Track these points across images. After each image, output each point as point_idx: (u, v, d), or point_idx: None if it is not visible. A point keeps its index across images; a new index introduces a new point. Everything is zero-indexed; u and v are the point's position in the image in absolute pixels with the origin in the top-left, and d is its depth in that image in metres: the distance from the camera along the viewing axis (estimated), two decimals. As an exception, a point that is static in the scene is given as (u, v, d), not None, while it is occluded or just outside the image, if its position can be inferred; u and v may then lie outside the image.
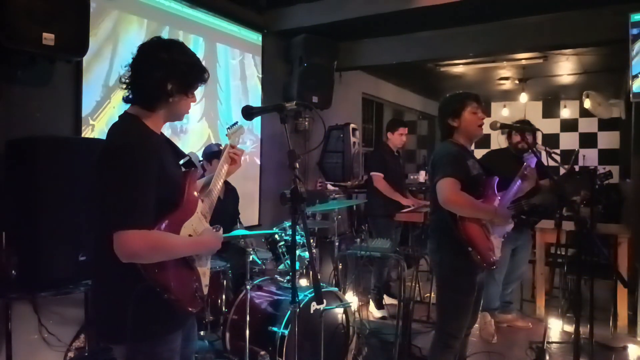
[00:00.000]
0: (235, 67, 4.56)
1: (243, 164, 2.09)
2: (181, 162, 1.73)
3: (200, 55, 4.03)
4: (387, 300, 4.69)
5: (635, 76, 3.87)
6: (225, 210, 3.63)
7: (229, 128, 2.04)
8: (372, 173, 4.62)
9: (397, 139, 4.69)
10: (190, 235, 1.64)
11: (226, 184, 3.71)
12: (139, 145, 1.51)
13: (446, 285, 2.57)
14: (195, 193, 1.71)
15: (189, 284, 1.62)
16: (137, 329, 1.52)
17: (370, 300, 4.59)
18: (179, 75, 1.59)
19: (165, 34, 3.79)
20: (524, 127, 3.36)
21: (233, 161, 1.95)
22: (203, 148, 3.83)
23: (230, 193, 3.73)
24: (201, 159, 3.63)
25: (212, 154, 3.51)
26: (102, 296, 1.61)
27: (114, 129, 1.60)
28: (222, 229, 1.82)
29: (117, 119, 1.65)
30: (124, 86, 1.62)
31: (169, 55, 1.59)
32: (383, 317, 4.42)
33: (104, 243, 1.49)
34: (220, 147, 3.74)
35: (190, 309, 1.60)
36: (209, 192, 1.82)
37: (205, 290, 1.71)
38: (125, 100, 1.64)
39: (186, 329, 1.77)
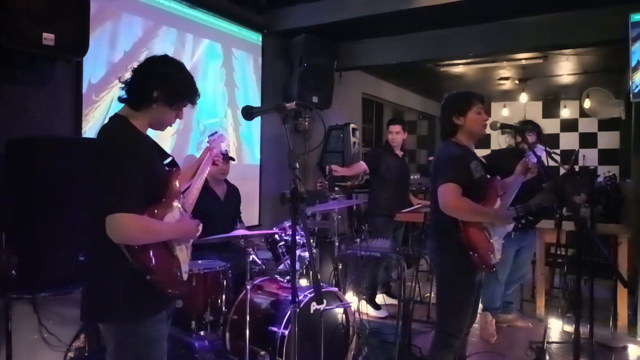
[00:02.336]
0: (235, 67, 4.56)
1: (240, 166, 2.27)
2: (166, 162, 1.90)
3: (200, 55, 4.11)
4: (387, 300, 4.69)
5: (635, 68, 3.85)
6: (227, 211, 3.63)
7: (210, 136, 2.30)
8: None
9: (390, 137, 4.62)
10: None
11: (228, 184, 3.71)
12: (129, 141, 1.69)
13: (447, 285, 2.57)
14: (178, 189, 1.88)
15: (170, 267, 1.77)
16: (123, 310, 1.67)
17: (365, 301, 4.56)
18: (166, 87, 1.76)
19: (164, 34, 3.80)
20: (523, 127, 3.35)
21: (214, 163, 2.25)
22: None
23: (232, 195, 3.73)
24: None
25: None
26: (91, 277, 1.76)
27: (104, 129, 1.76)
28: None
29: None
30: (122, 86, 1.79)
31: (165, 68, 1.78)
32: (384, 317, 4.41)
33: (95, 227, 1.64)
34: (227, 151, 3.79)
35: (170, 290, 1.76)
36: (190, 189, 2.04)
37: (185, 277, 1.86)
38: (119, 99, 1.81)
39: (169, 312, 1.91)
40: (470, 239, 2.40)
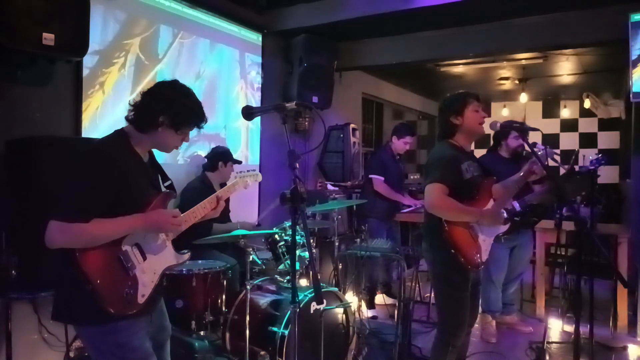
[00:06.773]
0: (235, 67, 4.56)
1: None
2: (166, 184, 1.98)
3: (199, 55, 4.10)
4: (387, 300, 4.69)
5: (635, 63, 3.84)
6: (222, 211, 3.63)
7: (241, 171, 2.30)
8: (371, 176, 4.63)
9: (400, 145, 4.69)
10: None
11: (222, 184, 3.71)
12: (104, 154, 1.73)
13: (440, 281, 2.59)
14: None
15: (117, 284, 1.72)
16: (77, 313, 1.72)
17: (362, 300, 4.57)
18: (172, 112, 1.81)
19: (164, 34, 3.80)
20: (523, 127, 3.33)
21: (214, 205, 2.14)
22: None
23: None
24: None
25: (218, 155, 3.64)
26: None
27: (101, 138, 1.85)
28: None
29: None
30: (131, 107, 1.84)
31: (172, 93, 1.83)
32: (374, 317, 4.41)
33: None
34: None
35: (110, 308, 1.67)
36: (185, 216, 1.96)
37: (142, 300, 1.78)
38: (126, 118, 1.85)
39: (155, 317, 1.94)
40: (453, 238, 2.43)
